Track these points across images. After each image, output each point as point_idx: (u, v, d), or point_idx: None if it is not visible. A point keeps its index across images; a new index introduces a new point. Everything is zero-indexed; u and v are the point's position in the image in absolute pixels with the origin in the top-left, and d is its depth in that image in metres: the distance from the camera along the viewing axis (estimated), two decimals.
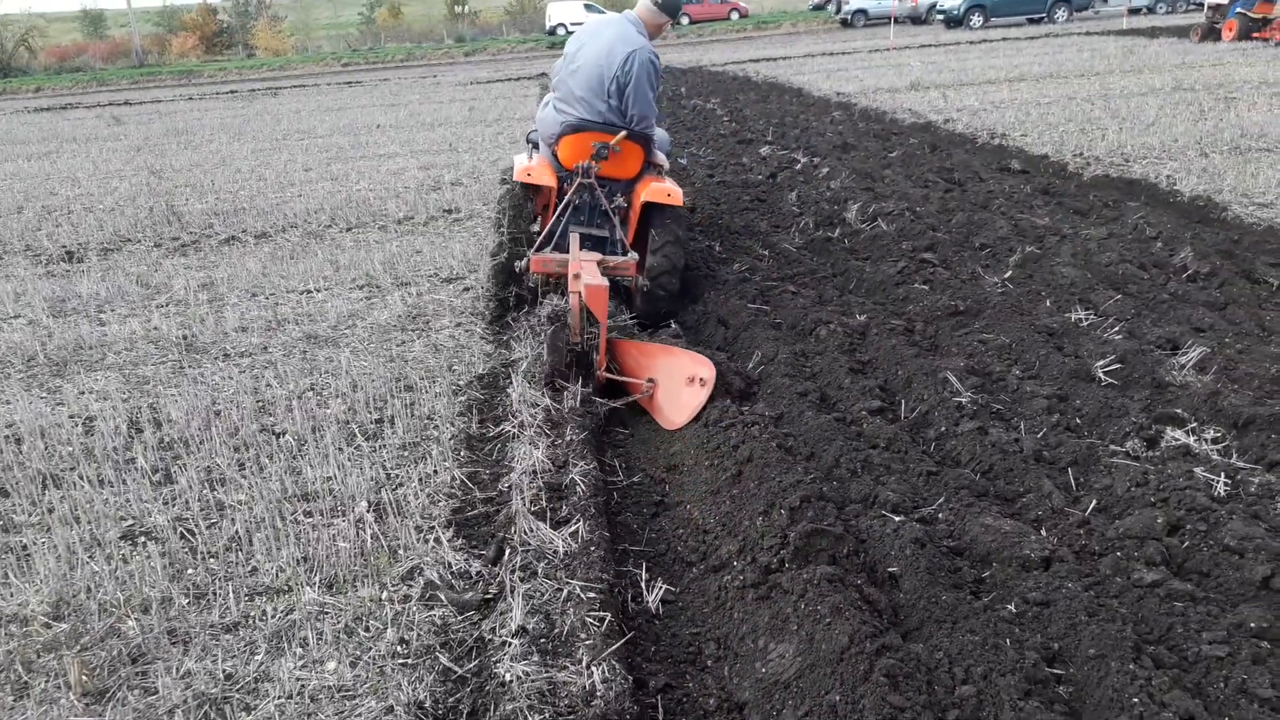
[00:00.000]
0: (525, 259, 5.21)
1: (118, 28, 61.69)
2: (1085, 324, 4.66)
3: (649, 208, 5.19)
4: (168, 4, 61.11)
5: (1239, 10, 19.33)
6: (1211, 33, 20.08)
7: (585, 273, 4.37)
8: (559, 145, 5.25)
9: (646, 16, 5.20)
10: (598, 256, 4.91)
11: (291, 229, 8.07)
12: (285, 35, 56.22)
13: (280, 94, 26.02)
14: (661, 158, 5.50)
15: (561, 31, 44.25)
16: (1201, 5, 21.35)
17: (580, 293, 4.22)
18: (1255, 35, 19.00)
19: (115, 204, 9.66)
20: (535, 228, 5.60)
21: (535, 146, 5.58)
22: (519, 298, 5.41)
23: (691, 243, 6.24)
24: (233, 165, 12.06)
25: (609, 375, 4.38)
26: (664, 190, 5.12)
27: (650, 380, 4.29)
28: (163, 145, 15.04)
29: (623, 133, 5.12)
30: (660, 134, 5.56)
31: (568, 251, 4.88)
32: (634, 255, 5.20)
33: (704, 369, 4.05)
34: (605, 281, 4.26)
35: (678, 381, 4.16)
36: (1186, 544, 2.84)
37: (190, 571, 3.05)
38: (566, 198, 5.24)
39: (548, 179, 5.28)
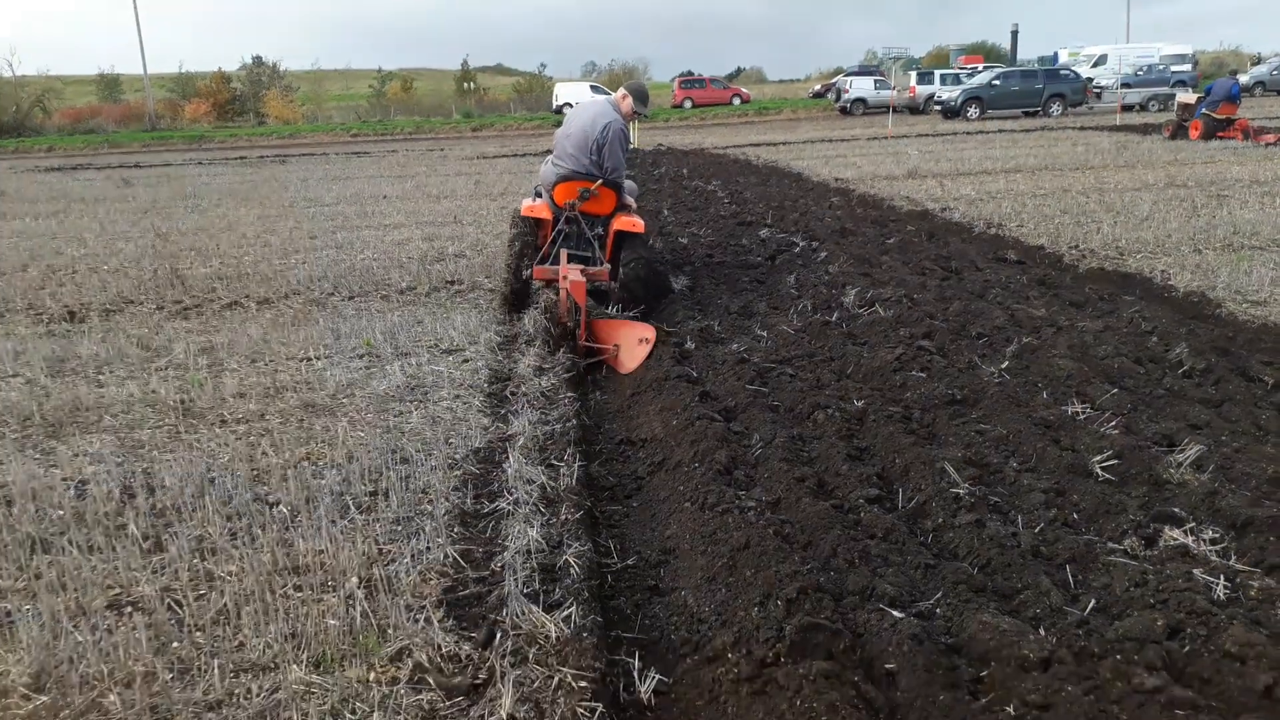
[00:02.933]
0: (529, 269, 7.02)
1: (133, 92, 62.86)
2: (1082, 417, 4.67)
3: (620, 235, 7.04)
4: (183, 70, 62.53)
5: (1204, 111, 20.45)
6: (1181, 130, 21.31)
7: (570, 274, 6.26)
8: (554, 190, 7.06)
9: (619, 100, 7.16)
10: (580, 266, 6.59)
11: (294, 296, 8.13)
12: (297, 105, 57.32)
13: (289, 161, 26.47)
14: (630, 200, 7.32)
15: (567, 110, 45.44)
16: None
17: (566, 287, 6.16)
18: (1220, 135, 20.19)
19: (120, 265, 9.74)
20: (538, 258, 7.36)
21: (539, 194, 7.32)
22: (523, 295, 7.26)
23: (656, 257, 7.84)
24: (238, 230, 12.20)
25: (588, 344, 6.18)
26: (631, 221, 7.02)
27: (615, 345, 6.13)
28: (170, 208, 15.24)
29: (600, 180, 6.94)
30: (629, 183, 7.38)
31: (559, 264, 6.69)
32: (607, 265, 7.01)
33: (649, 332, 6.00)
34: (584, 279, 6.26)
35: (632, 342, 6.05)
36: (1187, 649, 2.80)
37: (176, 645, 2.99)
38: (558, 227, 7.07)
39: (545, 214, 7.15)
